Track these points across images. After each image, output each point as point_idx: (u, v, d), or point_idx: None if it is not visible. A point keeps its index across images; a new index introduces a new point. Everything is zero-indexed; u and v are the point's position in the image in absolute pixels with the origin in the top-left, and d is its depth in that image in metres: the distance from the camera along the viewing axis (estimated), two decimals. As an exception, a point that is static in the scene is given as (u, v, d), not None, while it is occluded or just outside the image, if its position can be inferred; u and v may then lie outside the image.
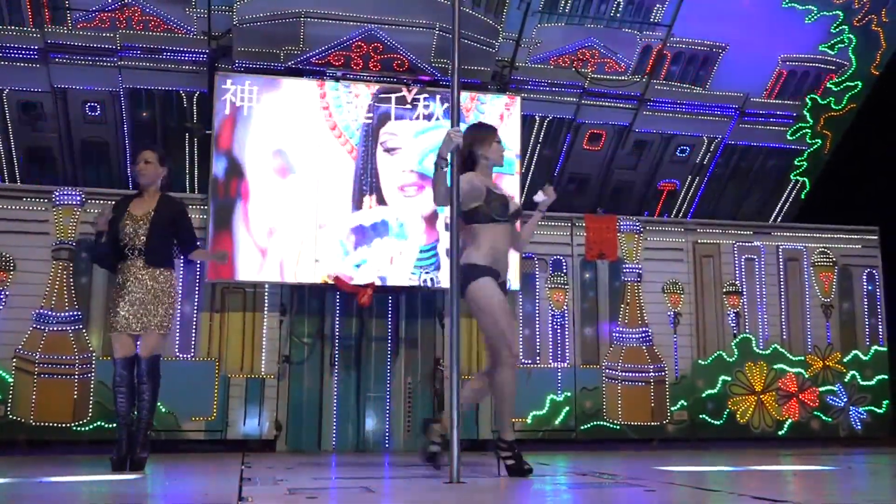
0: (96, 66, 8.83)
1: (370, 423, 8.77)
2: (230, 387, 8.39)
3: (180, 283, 8.12)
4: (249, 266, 8.33)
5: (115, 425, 5.40)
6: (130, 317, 5.25)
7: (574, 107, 10.04)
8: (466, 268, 4.31)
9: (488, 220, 4.37)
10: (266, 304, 8.61)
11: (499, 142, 4.49)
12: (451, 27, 4.36)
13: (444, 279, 8.50)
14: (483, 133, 4.54)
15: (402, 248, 8.67)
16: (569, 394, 9.18)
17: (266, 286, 8.58)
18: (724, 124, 10.58)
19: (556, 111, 10.04)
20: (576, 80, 9.94)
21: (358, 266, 8.59)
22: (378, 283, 8.48)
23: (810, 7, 10.11)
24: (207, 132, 8.63)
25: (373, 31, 8.76)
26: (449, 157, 4.21)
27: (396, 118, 8.89)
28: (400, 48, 8.87)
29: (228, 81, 8.46)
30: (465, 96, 8.80)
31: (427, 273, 8.55)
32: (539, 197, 4.69)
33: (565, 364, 9.28)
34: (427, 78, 9.00)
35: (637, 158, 10.57)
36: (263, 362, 8.50)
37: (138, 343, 5.29)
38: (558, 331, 9.35)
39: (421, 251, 8.72)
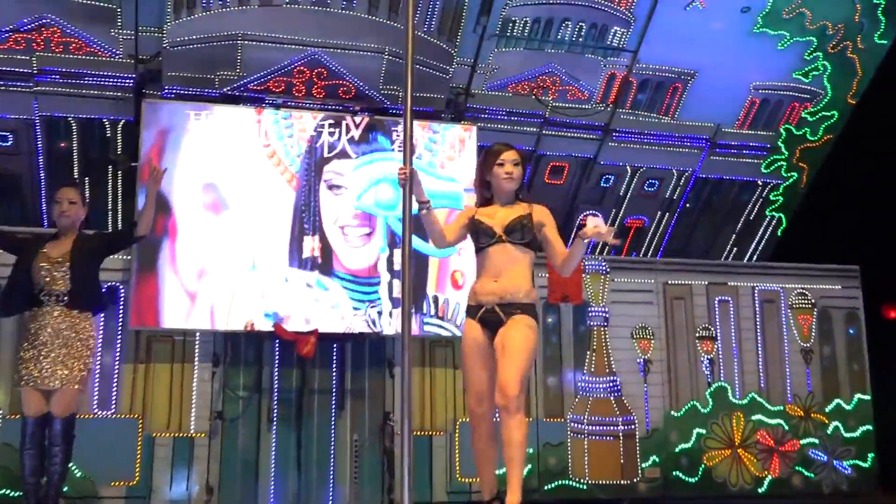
0: (9, 91, 8.77)
1: (312, 485, 8.70)
2: (155, 447, 8.29)
3: (100, 331, 8.01)
4: (177, 312, 8.28)
5: (21, 493, 5.28)
6: (43, 370, 5.16)
7: (535, 137, 10.18)
8: None
9: (475, 249, 4.48)
10: (196, 354, 8.58)
11: (500, 164, 4.48)
12: (403, 52, 4.40)
13: (392, 324, 8.57)
14: (484, 157, 4.60)
15: (346, 293, 8.72)
16: (530, 450, 9.08)
17: (196, 334, 8.53)
18: (694, 156, 10.78)
19: (516, 141, 9.89)
20: (536, 109, 10.07)
21: (297, 312, 8.62)
22: (321, 329, 8.49)
23: (783, 32, 10.09)
24: (133, 164, 8.59)
25: (316, 56, 8.79)
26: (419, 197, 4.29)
27: (339, 153, 8.92)
28: (346, 74, 8.93)
29: (157, 109, 8.45)
30: (416, 126, 8.88)
31: (373, 307, 8.59)
32: (592, 223, 4.34)
33: (527, 418, 9.11)
34: (375, 106, 9.11)
35: (602, 193, 10.71)
36: (193, 419, 8.45)
37: (51, 400, 5.19)
38: None
39: (362, 284, 8.73)
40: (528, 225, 4.51)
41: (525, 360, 4.14)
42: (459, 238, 4.57)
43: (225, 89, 8.84)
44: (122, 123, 8.95)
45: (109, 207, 9.20)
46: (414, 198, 4.33)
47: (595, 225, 4.21)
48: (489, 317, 4.35)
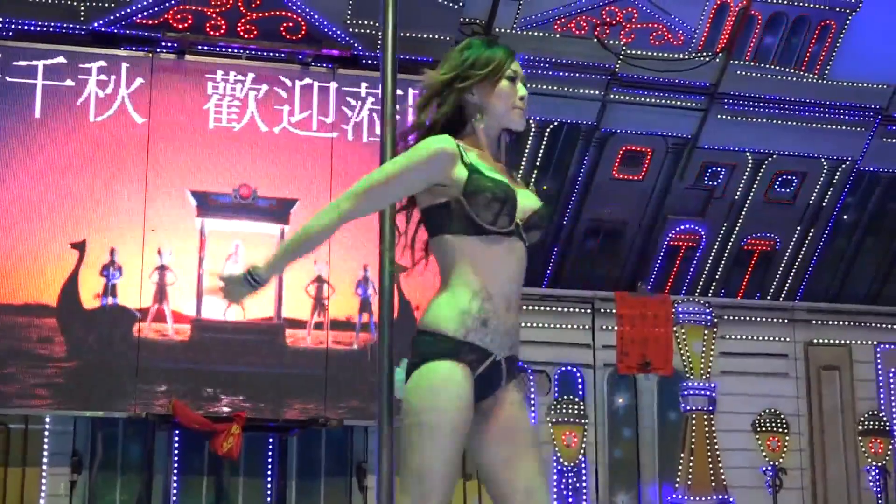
0: None
1: None
2: None
3: None
4: (16, 381, 8.38)
5: None
6: None
7: (597, 105, 9.92)
8: (417, 336, 3.80)
9: (468, 229, 3.79)
10: (46, 453, 8.56)
11: (511, 77, 3.90)
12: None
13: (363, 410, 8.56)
14: (475, 57, 3.95)
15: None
16: None
17: (46, 420, 8.54)
18: (855, 138, 10.57)
19: (566, 113, 9.89)
20: (600, 59, 9.86)
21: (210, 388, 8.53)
22: (249, 414, 8.50)
23: None
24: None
25: (245, -31, 8.97)
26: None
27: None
28: (294, 2, 8.97)
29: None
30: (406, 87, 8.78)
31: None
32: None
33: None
34: (338, 53, 9.11)
35: (706, 196, 10.49)
36: (37, 561, 8.47)
37: None
38: (569, 498, 9.26)
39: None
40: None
41: (541, 461, 3.95)
42: (419, 180, 3.87)
43: (95, 24, 8.83)
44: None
45: None
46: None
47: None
48: (489, 372, 3.82)
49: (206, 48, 8.97)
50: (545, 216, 3.98)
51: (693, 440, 9.49)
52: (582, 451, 9.34)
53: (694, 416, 9.55)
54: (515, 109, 3.95)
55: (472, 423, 3.80)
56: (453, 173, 3.82)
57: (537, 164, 9.97)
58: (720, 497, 9.44)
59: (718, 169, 10.45)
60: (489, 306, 3.84)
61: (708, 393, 9.60)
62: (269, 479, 8.90)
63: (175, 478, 8.70)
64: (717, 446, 9.54)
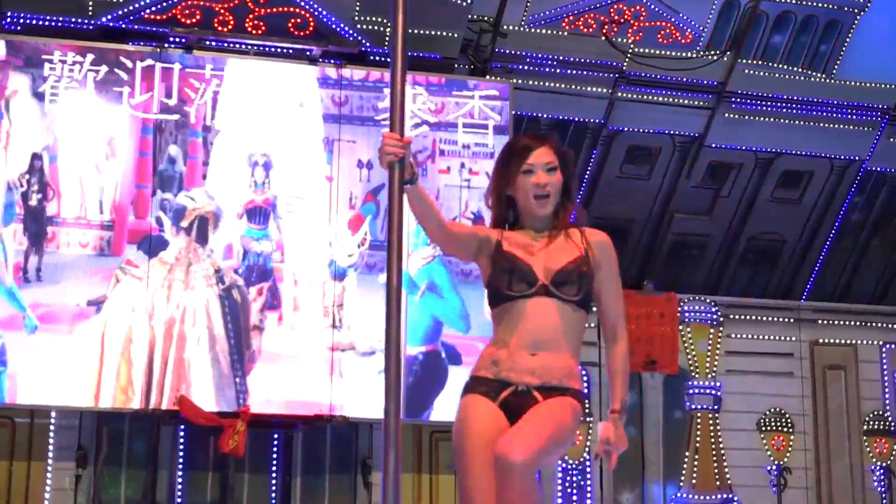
0: None
1: None
2: None
3: None
4: (21, 377, 8.29)
5: None
6: None
7: (604, 103, 10.02)
8: None
9: (498, 297, 4.53)
10: (51, 448, 8.55)
11: (525, 171, 4.57)
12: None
13: (369, 409, 8.44)
14: (502, 159, 4.66)
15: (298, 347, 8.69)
16: None
17: (52, 416, 8.54)
18: (862, 137, 10.59)
19: (573, 111, 9.93)
20: (607, 58, 9.93)
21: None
22: (254, 409, 8.48)
23: None
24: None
25: (254, -34, 8.98)
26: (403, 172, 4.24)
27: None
28: None
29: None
30: (414, 85, 8.98)
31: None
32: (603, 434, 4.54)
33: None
34: (346, 50, 9.10)
35: (713, 195, 10.49)
36: (43, 554, 8.47)
37: None
38: (573, 495, 9.29)
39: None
40: (586, 272, 4.54)
41: (553, 431, 4.33)
42: (464, 244, 4.63)
43: (103, 19, 8.86)
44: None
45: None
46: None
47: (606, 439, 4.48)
48: (519, 401, 4.41)
49: (213, 44, 8.93)
50: (572, 272, 4.50)
51: (698, 439, 9.51)
52: (587, 449, 9.30)
53: (699, 414, 9.58)
54: (532, 200, 4.54)
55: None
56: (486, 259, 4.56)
57: (548, 159, 9.96)
58: (724, 496, 9.50)
59: (725, 167, 10.44)
60: (504, 352, 4.47)
61: (713, 392, 9.61)
62: (273, 474, 8.88)
63: (180, 473, 8.72)
64: (721, 445, 9.55)
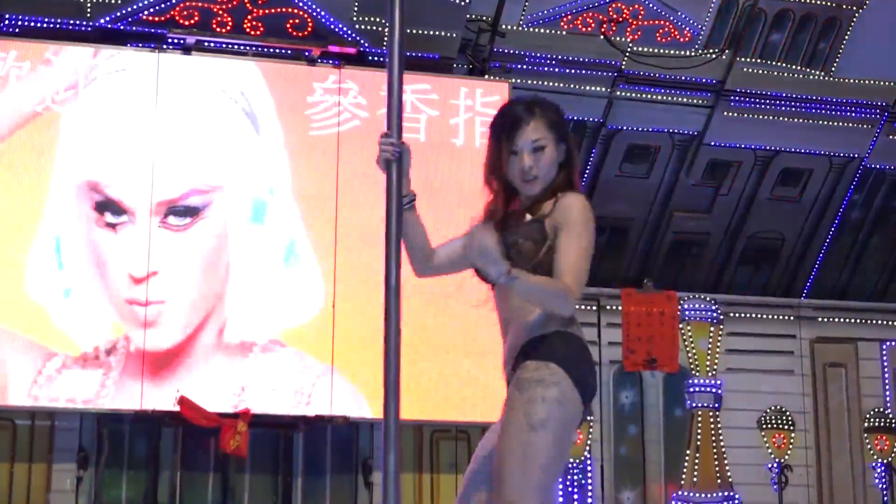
0: None
1: None
2: None
3: None
4: (23, 375, 8.29)
5: None
6: None
7: (603, 102, 10.04)
8: None
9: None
10: (54, 449, 8.64)
11: (513, 152, 4.36)
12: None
13: (370, 407, 8.57)
14: (490, 136, 4.46)
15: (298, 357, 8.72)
16: None
17: (54, 419, 8.57)
18: (861, 135, 10.63)
19: (572, 110, 9.61)
20: (606, 56, 9.94)
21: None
22: (255, 410, 8.49)
23: None
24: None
25: (252, -34, 8.99)
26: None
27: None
28: None
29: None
30: (413, 85, 8.96)
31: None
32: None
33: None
34: (344, 50, 9.13)
35: (712, 193, 10.56)
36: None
37: None
38: (574, 495, 9.25)
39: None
40: (538, 239, 4.31)
41: (534, 473, 4.07)
42: (451, 260, 4.46)
43: (101, 20, 8.86)
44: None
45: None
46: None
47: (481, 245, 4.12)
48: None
49: (212, 45, 8.93)
50: (515, 244, 4.27)
51: (699, 437, 9.52)
52: (587, 448, 9.29)
53: (700, 413, 9.59)
54: (521, 183, 4.35)
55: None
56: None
57: (545, 157, 9.99)
58: (725, 494, 9.47)
59: (725, 166, 10.47)
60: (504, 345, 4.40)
61: (714, 390, 9.60)
62: (274, 475, 8.88)
63: (181, 474, 8.75)
64: (722, 443, 9.56)
